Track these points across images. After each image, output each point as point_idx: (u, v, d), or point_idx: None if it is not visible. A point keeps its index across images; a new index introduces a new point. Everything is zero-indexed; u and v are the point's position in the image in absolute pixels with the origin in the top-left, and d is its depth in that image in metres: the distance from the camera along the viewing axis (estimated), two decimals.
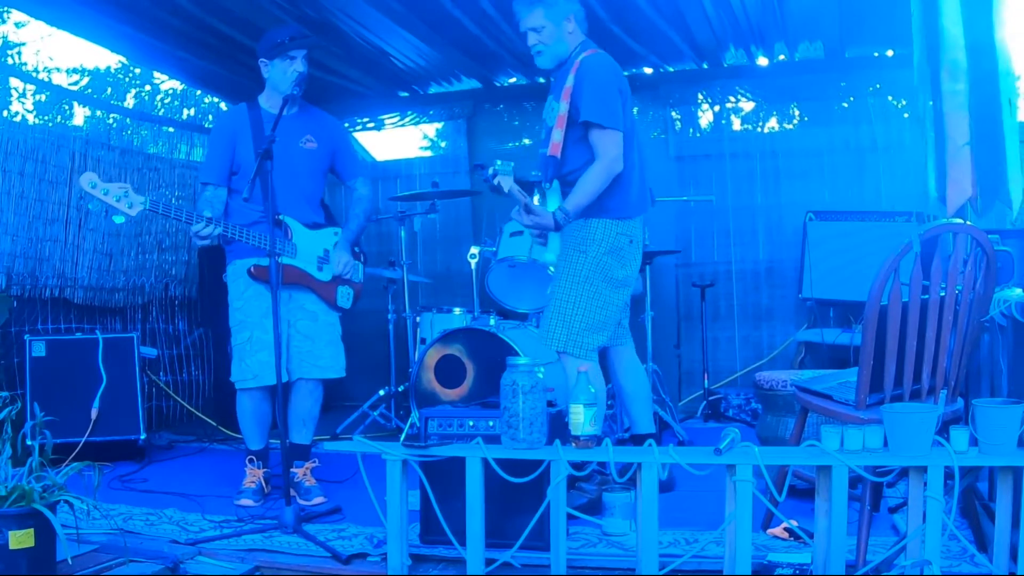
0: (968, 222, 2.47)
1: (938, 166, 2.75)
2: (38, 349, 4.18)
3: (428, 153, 13.46)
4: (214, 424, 5.11)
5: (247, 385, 3.37)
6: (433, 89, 6.37)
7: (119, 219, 3.12)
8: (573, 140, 3.20)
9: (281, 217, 3.34)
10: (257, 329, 3.35)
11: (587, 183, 3.12)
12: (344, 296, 3.55)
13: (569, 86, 3.16)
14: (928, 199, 2.85)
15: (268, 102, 3.46)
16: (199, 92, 6.66)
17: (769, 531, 2.73)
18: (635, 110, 6.45)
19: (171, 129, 5.86)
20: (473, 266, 4.56)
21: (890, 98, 5.75)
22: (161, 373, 5.47)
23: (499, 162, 3.14)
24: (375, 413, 4.94)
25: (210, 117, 6.65)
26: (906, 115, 5.66)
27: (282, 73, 3.37)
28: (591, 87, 3.14)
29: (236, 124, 3.44)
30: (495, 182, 3.13)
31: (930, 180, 2.82)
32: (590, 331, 3.18)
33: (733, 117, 6.95)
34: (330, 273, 3.51)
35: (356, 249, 3.66)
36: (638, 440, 3.34)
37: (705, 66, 5.85)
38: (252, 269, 3.33)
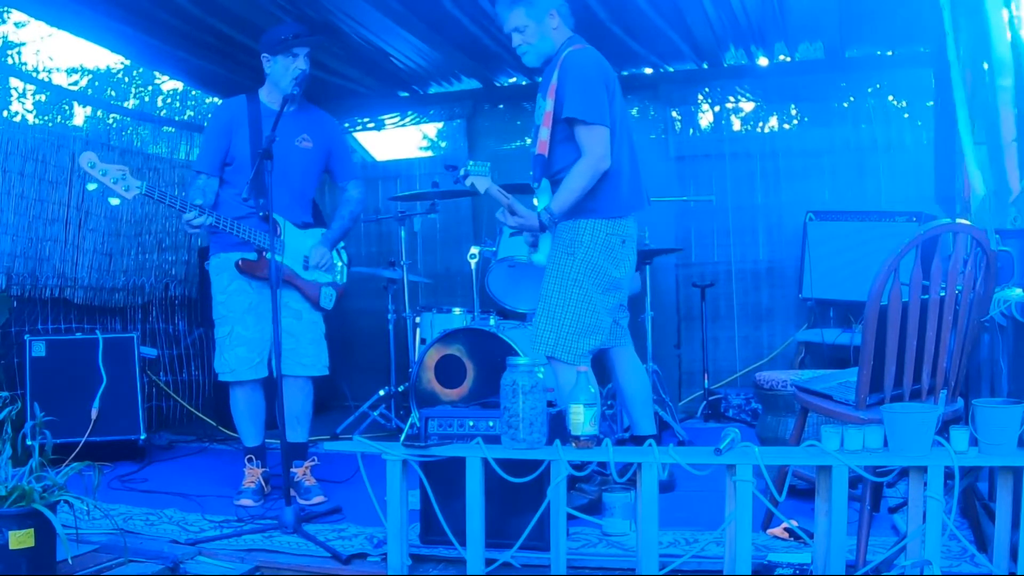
0: (967, 222, 2.47)
1: (993, 162, 2.74)
2: (38, 349, 4.18)
3: (428, 153, 13.46)
4: (214, 424, 5.11)
5: (224, 378, 3.40)
6: (433, 89, 6.37)
7: (115, 200, 3.11)
8: (561, 138, 3.15)
9: (273, 215, 3.34)
10: (238, 324, 3.35)
11: (572, 181, 3.06)
12: (327, 297, 3.55)
13: (554, 83, 3.11)
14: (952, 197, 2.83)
15: (268, 97, 3.46)
16: (198, 92, 6.64)
17: (769, 531, 2.73)
18: (635, 110, 6.48)
19: (171, 129, 5.86)
20: (473, 266, 4.55)
21: (890, 98, 5.75)
22: (161, 373, 5.47)
23: (471, 163, 3.09)
24: (375, 413, 4.94)
25: (210, 116, 6.64)
26: (906, 115, 5.66)
27: (284, 70, 3.37)
28: (574, 82, 3.08)
29: (234, 115, 3.43)
30: (467, 184, 3.08)
31: (972, 175, 2.80)
32: (580, 335, 3.13)
33: (733, 117, 6.96)
34: (314, 271, 3.51)
35: (340, 249, 3.65)
36: (638, 441, 3.34)
37: (705, 66, 5.85)
38: (240, 263, 3.33)
